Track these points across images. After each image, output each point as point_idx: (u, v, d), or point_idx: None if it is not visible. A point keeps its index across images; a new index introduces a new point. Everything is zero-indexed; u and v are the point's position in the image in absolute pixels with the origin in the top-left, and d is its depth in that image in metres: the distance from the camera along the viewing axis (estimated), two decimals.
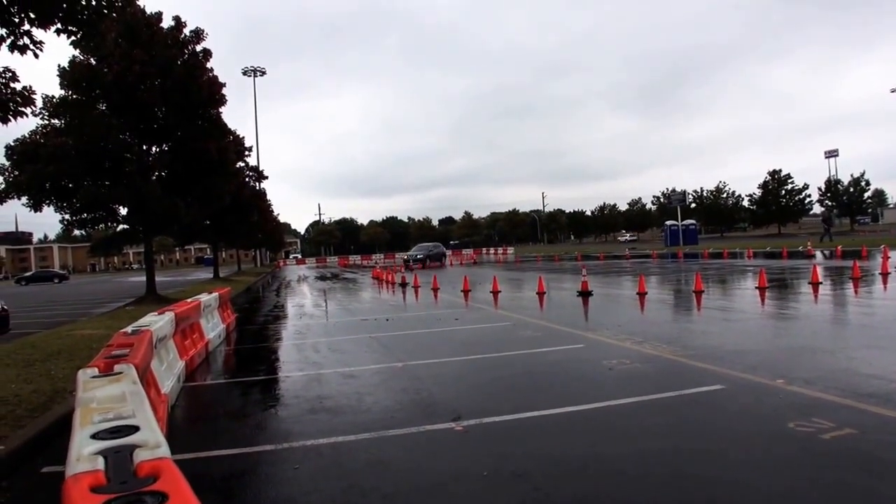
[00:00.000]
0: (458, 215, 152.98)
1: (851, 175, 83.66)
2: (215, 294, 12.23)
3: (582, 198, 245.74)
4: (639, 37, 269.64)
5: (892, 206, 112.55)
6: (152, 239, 23.05)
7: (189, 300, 10.74)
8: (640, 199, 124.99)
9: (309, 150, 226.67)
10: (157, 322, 7.04)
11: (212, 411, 6.86)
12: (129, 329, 6.37)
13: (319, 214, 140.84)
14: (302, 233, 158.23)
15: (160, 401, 5.82)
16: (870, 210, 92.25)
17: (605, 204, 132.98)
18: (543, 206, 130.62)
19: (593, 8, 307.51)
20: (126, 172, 19.83)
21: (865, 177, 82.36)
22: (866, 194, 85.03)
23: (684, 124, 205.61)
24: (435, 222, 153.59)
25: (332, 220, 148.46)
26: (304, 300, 22.03)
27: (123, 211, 21.50)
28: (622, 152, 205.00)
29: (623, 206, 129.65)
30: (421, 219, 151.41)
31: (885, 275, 17.57)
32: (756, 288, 15.92)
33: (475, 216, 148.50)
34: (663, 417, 5.56)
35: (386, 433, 5.27)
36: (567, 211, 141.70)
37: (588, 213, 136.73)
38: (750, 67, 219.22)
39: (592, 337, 9.84)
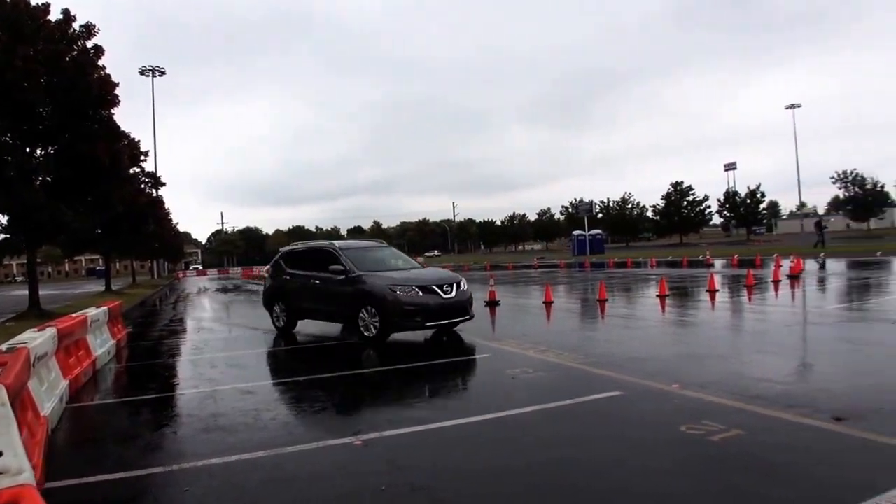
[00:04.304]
0: (367, 225, 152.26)
1: (748, 187, 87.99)
2: (105, 308, 11.51)
3: (493, 208, 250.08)
4: (550, 52, 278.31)
5: (785, 216, 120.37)
6: (36, 249, 21.45)
7: (75, 315, 10.02)
8: (549, 209, 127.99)
9: (212, 157, 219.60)
10: (37, 339, 6.51)
11: (97, 433, 6.40)
12: (3, 347, 5.87)
13: (222, 223, 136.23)
14: (203, 242, 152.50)
15: (39, 423, 5.38)
16: (765, 220, 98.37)
17: (515, 214, 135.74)
18: (454, 216, 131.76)
19: (506, 22, 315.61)
20: (6, 177, 18.34)
21: (761, 189, 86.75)
22: (762, 206, 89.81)
23: (593, 138, 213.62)
24: (343, 231, 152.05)
25: (236, 229, 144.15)
26: (203, 313, 21.19)
27: (3, 219, 19.93)
28: (533, 164, 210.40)
29: (532, 216, 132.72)
30: (329, 228, 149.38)
31: (776, 282, 18.68)
32: (657, 296, 16.55)
33: (385, 226, 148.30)
34: (564, 425, 5.63)
35: (283, 450, 5.06)
36: (478, 220, 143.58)
37: (498, 222, 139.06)
38: (656, 85, 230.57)
39: (497, 346, 9.90)
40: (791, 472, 4.20)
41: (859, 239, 54.98)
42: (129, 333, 13.94)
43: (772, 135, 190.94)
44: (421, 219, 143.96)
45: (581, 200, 71.80)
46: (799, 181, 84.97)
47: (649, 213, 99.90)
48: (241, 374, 8.95)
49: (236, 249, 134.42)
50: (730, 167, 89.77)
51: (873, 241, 46.38)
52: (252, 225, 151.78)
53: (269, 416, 6.30)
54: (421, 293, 10.45)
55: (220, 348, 11.70)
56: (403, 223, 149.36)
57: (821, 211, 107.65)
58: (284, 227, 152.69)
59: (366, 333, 10.70)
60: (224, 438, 5.55)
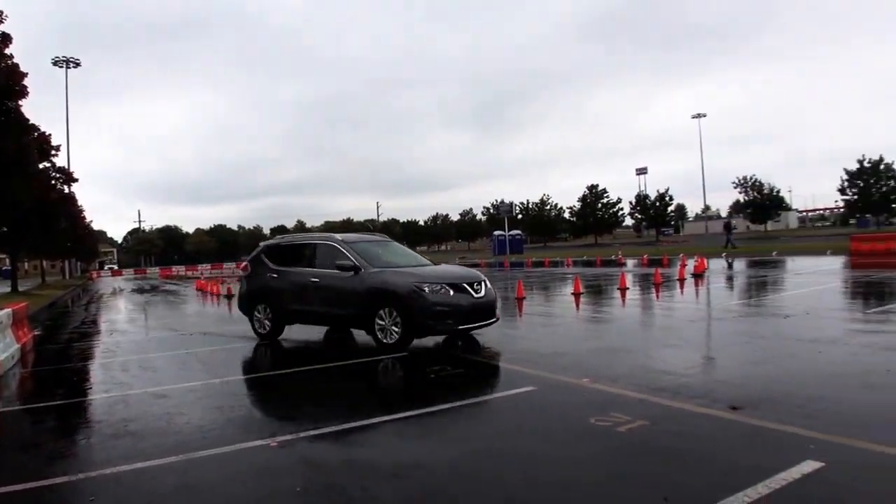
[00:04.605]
0: (290, 224, 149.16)
1: (658, 191, 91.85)
2: (8, 310, 10.88)
3: (416, 208, 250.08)
4: (472, 56, 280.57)
5: (691, 219, 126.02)
6: None
7: None
8: (471, 209, 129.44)
9: (130, 153, 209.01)
10: None
11: None
12: None
13: (139, 221, 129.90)
14: (119, 242, 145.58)
15: None
16: (672, 222, 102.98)
17: (438, 214, 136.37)
18: (378, 216, 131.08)
19: (429, 24, 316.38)
20: None
21: (669, 193, 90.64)
22: (670, 208, 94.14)
23: (514, 141, 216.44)
24: (266, 231, 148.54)
25: (154, 227, 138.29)
26: (116, 315, 20.31)
27: None
28: (456, 165, 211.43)
29: (455, 217, 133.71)
30: (252, 227, 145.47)
31: (681, 280, 19.65)
32: (572, 294, 17.08)
33: (308, 225, 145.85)
34: (478, 420, 5.81)
35: (196, 454, 4.96)
36: (401, 220, 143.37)
37: (422, 222, 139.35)
38: (574, 92, 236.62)
39: (416, 344, 10.00)
40: (690, 458, 4.48)
41: (758, 240, 58.21)
42: (37, 336, 13.22)
43: (680, 142, 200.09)
44: (345, 218, 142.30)
45: (502, 202, 72.86)
46: (704, 186, 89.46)
47: (566, 215, 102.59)
48: (155, 377, 8.64)
49: (154, 249, 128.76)
50: (641, 172, 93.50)
51: (771, 242, 49.24)
52: (171, 224, 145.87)
53: (184, 419, 6.15)
54: (452, 292, 9.30)
55: (134, 351, 11.28)
56: (328, 222, 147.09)
57: (723, 213, 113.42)
58: (205, 225, 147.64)
59: (385, 340, 9.40)
60: (134, 444, 5.39)
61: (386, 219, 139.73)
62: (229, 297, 23.45)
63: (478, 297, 9.56)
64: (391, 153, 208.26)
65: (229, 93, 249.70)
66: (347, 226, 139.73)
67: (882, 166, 69.04)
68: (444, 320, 9.20)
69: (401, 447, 5.09)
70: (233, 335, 12.33)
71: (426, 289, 9.20)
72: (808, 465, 4.04)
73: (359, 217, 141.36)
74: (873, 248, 30.15)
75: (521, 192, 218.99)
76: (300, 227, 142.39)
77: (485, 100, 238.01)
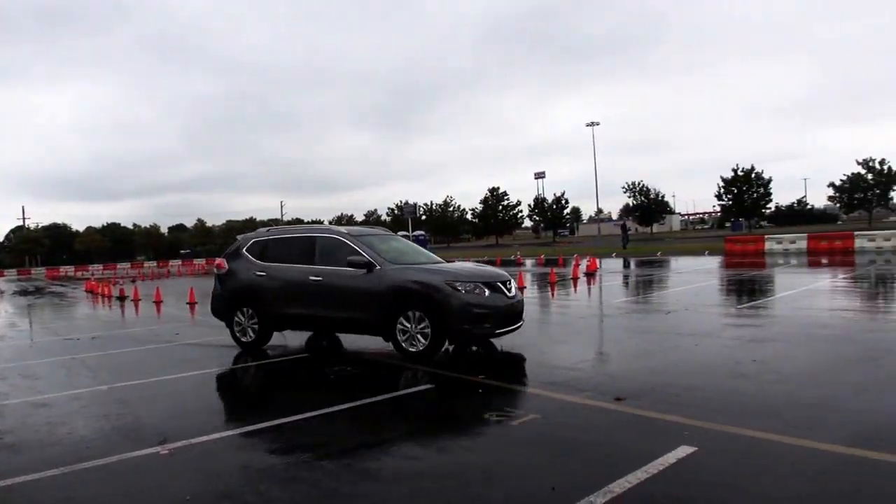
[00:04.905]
0: (190, 222, 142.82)
1: (554, 194, 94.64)
2: None
3: (321, 208, 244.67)
4: (379, 56, 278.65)
5: (585, 221, 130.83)
6: None
7: None
8: (376, 210, 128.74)
9: (14, 147, 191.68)
10: None
11: None
12: None
13: (24, 219, 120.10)
14: (1, 240, 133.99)
15: None
16: (568, 224, 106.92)
17: (343, 214, 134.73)
18: (282, 215, 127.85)
19: (336, 24, 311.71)
20: None
21: (565, 196, 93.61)
22: (566, 211, 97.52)
23: (419, 142, 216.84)
24: (164, 230, 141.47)
25: (41, 225, 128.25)
26: None
27: None
28: (362, 165, 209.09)
29: (360, 217, 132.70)
30: (148, 226, 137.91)
31: (574, 279, 20.50)
32: None
33: (209, 224, 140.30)
34: (379, 419, 5.86)
35: (79, 466, 4.70)
36: (306, 220, 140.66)
37: (326, 222, 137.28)
38: (477, 98, 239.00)
39: (315, 345, 9.91)
40: (578, 447, 4.74)
41: (645, 241, 61.49)
42: None
43: (576, 148, 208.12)
44: (248, 217, 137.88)
45: (406, 202, 73.30)
46: (597, 190, 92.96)
47: (469, 216, 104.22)
48: (35, 385, 8.05)
49: (40, 248, 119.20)
50: (539, 175, 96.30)
51: (656, 243, 52.15)
52: (59, 221, 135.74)
53: (66, 430, 5.81)
54: (487, 291, 8.29)
55: (12, 357, 10.41)
56: (230, 222, 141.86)
57: (615, 217, 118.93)
58: (98, 223, 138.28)
59: (409, 348, 8.24)
60: (9, 458, 5.04)
61: (290, 218, 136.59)
62: (122, 298, 22.24)
63: (511, 298, 8.66)
64: (296, 151, 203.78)
65: (124, 84, 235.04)
66: (250, 225, 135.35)
67: (753, 175, 74.68)
68: (482, 324, 8.17)
69: (295, 450, 5.03)
70: (125, 338, 11.74)
71: (461, 288, 8.15)
72: (683, 451, 4.35)
73: (262, 216, 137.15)
74: (744, 249, 32.77)
75: (425, 194, 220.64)
76: (200, 225, 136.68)
77: (391, 100, 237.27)
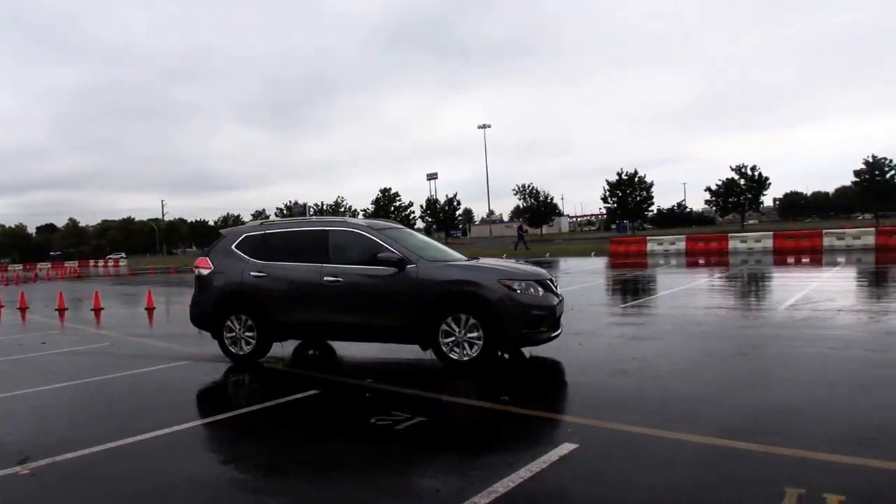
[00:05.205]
0: (61, 222, 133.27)
1: (447, 196, 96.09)
2: None
3: (206, 207, 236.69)
4: (271, 54, 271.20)
5: (477, 222, 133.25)
6: None
7: None
8: (264, 210, 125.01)
9: None
10: None
11: None
12: None
13: None
14: None
15: None
16: (460, 225, 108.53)
17: (229, 214, 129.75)
18: (163, 215, 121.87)
19: (221, 18, 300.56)
20: None
21: (458, 198, 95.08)
22: (458, 212, 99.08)
23: (311, 142, 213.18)
24: (32, 230, 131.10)
25: None
26: None
27: None
28: (249, 164, 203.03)
29: (248, 218, 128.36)
30: (13, 226, 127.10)
31: None
32: None
33: (82, 224, 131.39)
34: (260, 427, 5.63)
35: None
36: (189, 220, 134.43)
37: (211, 223, 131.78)
38: (369, 97, 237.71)
39: (197, 352, 9.40)
40: (461, 445, 4.78)
41: (534, 242, 63.27)
42: None
43: (468, 150, 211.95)
44: (126, 217, 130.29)
45: (296, 203, 71.94)
46: (488, 192, 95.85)
47: (360, 217, 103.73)
48: None
49: None
50: (432, 177, 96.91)
51: (546, 244, 53.94)
52: None
53: None
54: (541, 291, 7.45)
55: None
56: (105, 221, 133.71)
57: (506, 218, 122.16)
58: None
59: (457, 357, 7.23)
60: None
61: (172, 218, 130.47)
62: None
63: (560, 299, 7.84)
64: (179, 149, 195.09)
65: None
66: (127, 225, 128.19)
67: (637, 179, 78.92)
68: (538, 328, 7.32)
69: (174, 466, 4.71)
70: None
71: (517, 287, 7.25)
72: (566, 448, 4.42)
73: (141, 216, 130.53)
74: (627, 250, 34.45)
75: (316, 194, 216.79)
76: (72, 225, 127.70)
77: (282, 98, 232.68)
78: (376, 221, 8.87)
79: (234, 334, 8.32)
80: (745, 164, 77.51)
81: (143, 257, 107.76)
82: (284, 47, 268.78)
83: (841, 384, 6.01)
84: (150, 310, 16.10)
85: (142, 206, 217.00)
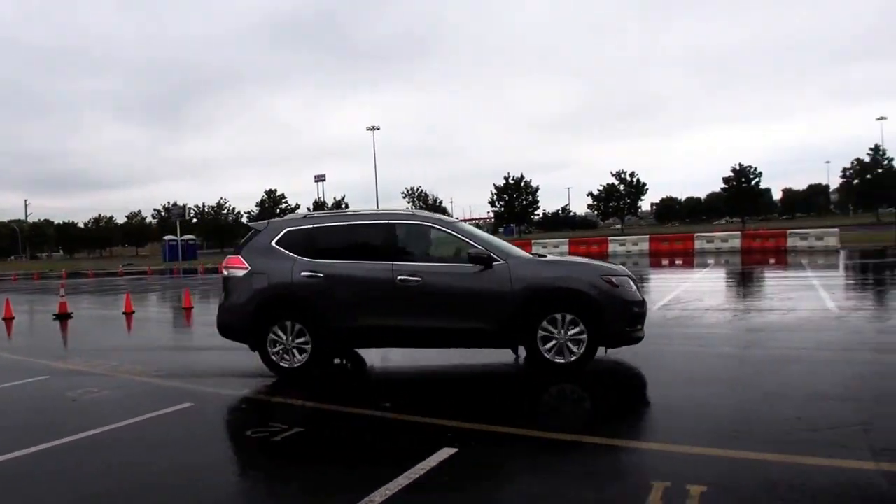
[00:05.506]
0: None
1: (334, 198, 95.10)
2: None
3: (75, 208, 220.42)
4: (149, 44, 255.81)
5: None
6: None
7: None
8: (139, 211, 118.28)
9: None
10: None
11: None
12: None
13: None
14: None
15: None
16: None
17: (100, 216, 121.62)
18: (27, 216, 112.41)
19: (100, 5, 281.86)
20: None
21: (346, 200, 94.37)
22: None
23: (191, 140, 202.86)
24: None
25: None
26: None
27: None
28: (122, 162, 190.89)
29: (121, 219, 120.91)
30: None
31: None
32: None
33: None
34: (133, 443, 5.28)
35: None
36: (56, 222, 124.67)
37: (81, 225, 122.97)
38: (252, 96, 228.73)
39: (61, 366, 8.72)
40: (341, 459, 4.65)
41: None
42: None
43: (357, 152, 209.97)
44: None
45: (174, 204, 68.58)
46: (377, 194, 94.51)
47: (244, 219, 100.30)
48: None
49: None
50: (320, 179, 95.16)
51: None
52: None
53: None
54: (635, 287, 7.06)
55: None
56: None
57: None
58: None
59: (557, 360, 6.69)
60: None
61: (37, 219, 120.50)
62: None
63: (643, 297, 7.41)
64: (43, 145, 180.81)
65: None
66: None
67: (523, 183, 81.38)
68: (637, 325, 6.95)
69: (44, 484, 4.29)
70: None
71: (617, 283, 6.83)
72: (445, 452, 4.42)
73: (1, 217, 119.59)
74: None
75: (196, 195, 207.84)
76: None
77: (160, 94, 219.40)
78: (438, 215, 8.33)
79: (282, 345, 7.26)
80: (625, 171, 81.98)
81: (4, 261, 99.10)
82: (164, 39, 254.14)
83: (707, 381, 6.39)
84: (7, 319, 14.73)
85: (5, 205, 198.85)
